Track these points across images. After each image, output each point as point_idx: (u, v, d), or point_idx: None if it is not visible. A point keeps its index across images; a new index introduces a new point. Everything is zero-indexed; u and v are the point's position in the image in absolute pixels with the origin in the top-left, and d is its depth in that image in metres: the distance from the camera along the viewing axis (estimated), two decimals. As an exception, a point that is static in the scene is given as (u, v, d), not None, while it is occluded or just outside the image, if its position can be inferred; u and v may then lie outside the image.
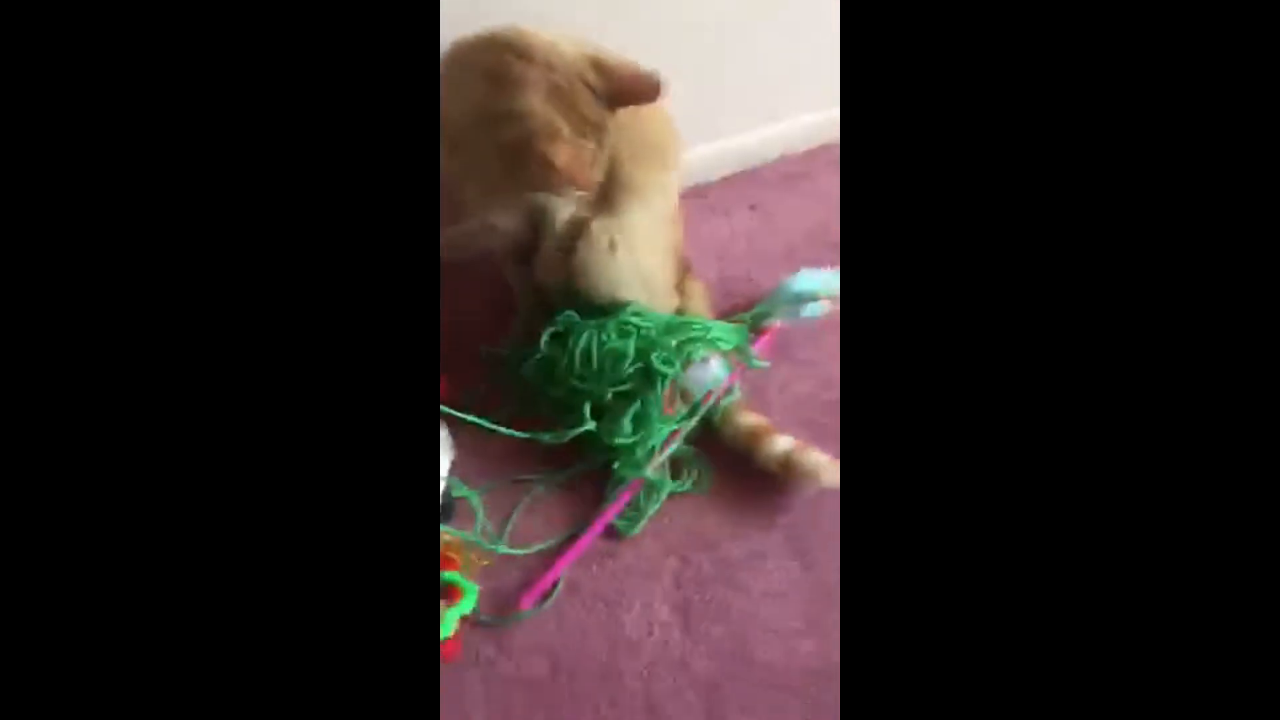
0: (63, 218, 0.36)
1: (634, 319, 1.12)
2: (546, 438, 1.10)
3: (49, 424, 0.35)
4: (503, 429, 1.09)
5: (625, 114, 1.02)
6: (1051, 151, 0.38)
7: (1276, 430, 0.34)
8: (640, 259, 1.11)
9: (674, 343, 1.08)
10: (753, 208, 1.44)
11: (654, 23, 1.14)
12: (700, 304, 1.23)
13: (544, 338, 1.13)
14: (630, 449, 1.07)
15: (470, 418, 1.09)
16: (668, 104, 1.07)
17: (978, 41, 0.39)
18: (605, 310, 1.14)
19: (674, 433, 1.08)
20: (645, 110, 1.03)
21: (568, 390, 1.11)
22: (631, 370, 1.08)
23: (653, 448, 1.07)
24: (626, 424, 1.07)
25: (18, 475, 0.34)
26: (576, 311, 1.15)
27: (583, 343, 1.10)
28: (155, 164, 0.37)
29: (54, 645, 0.35)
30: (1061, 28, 0.37)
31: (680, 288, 1.21)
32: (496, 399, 1.17)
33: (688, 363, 1.09)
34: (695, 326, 1.12)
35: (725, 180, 1.47)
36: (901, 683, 0.40)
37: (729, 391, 1.11)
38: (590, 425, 1.08)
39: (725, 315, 1.23)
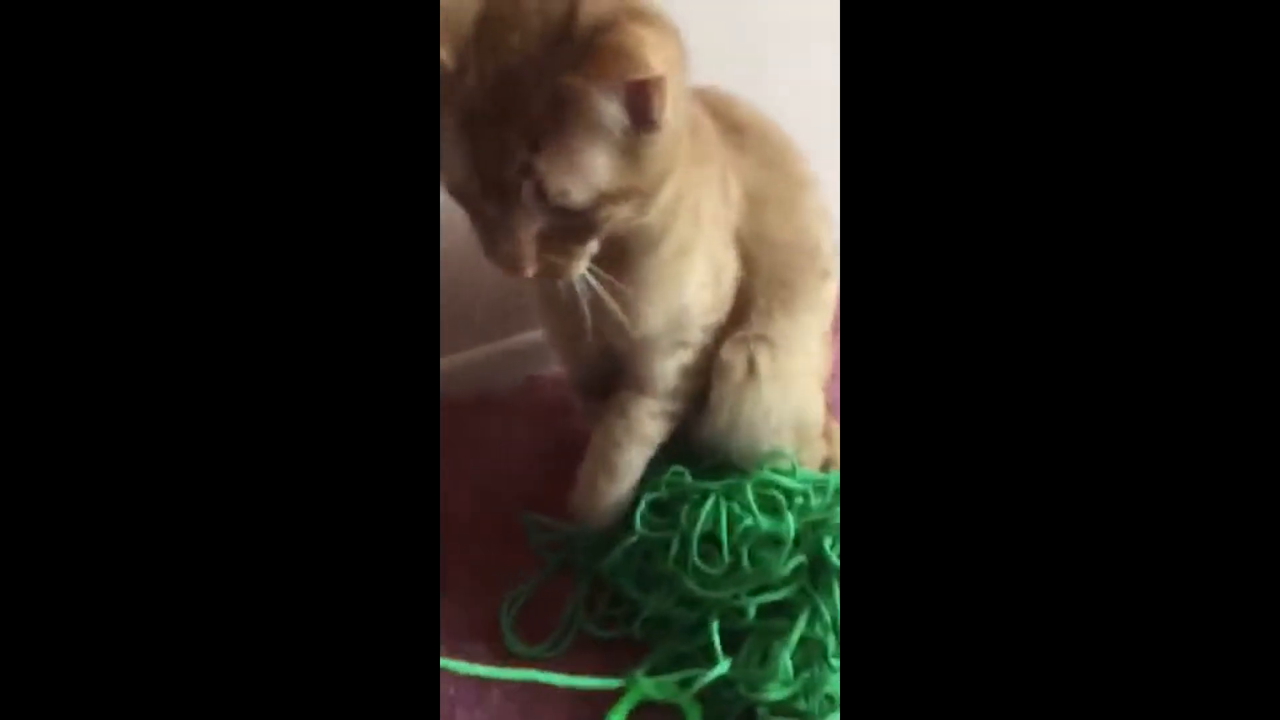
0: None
1: (783, 480, 0.70)
2: (646, 687, 0.65)
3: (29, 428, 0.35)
4: (561, 678, 0.64)
5: (774, 207, 0.69)
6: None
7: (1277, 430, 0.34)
8: (792, 389, 0.71)
9: (861, 522, 0.66)
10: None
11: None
12: (853, 456, 0.82)
13: (639, 509, 0.71)
14: (790, 704, 0.62)
15: (492, 672, 0.66)
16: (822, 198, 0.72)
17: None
18: (731, 466, 0.72)
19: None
20: (798, 200, 0.70)
21: (678, 599, 0.67)
22: (791, 568, 0.65)
23: (830, 699, 0.62)
24: (785, 662, 0.63)
25: (11, 474, 0.35)
26: (684, 464, 0.73)
27: (704, 520, 0.68)
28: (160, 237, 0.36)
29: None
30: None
31: (826, 430, 0.80)
32: (549, 611, 0.73)
33: (881, 556, 0.66)
34: (882, 494, 0.70)
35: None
36: None
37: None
38: (723, 666, 0.64)
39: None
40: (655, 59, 0.46)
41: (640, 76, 0.46)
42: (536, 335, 0.88)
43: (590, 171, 0.50)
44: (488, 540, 0.77)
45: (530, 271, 0.54)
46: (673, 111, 0.50)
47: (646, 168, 0.52)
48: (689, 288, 0.64)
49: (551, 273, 0.56)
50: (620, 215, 0.54)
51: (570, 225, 0.53)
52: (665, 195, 0.56)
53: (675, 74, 0.50)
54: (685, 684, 0.63)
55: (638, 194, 0.53)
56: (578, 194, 0.50)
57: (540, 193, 0.50)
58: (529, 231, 0.52)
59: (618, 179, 0.51)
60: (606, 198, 0.52)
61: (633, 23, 0.47)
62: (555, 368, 0.89)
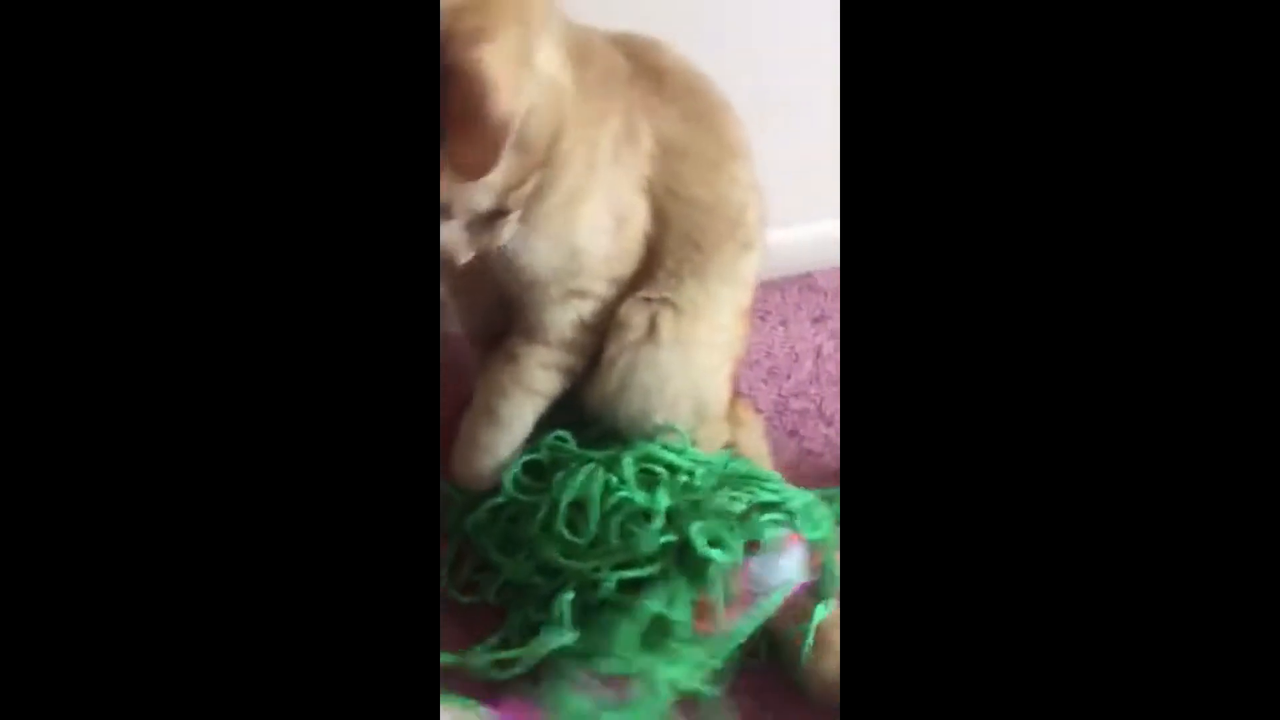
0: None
1: (668, 456, 0.67)
2: (481, 657, 0.62)
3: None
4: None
5: (694, 163, 0.66)
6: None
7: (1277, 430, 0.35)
8: (694, 359, 0.68)
9: (738, 507, 0.63)
10: (818, 320, 1.03)
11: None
12: (756, 442, 0.79)
13: (511, 471, 0.68)
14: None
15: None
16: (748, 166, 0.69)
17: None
18: (619, 436, 0.69)
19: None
20: (724, 165, 0.67)
21: (537, 566, 0.64)
22: (658, 546, 0.62)
23: (672, 686, 0.60)
24: (632, 637, 0.60)
25: (8, 473, 0.35)
26: (570, 431, 0.70)
27: (576, 487, 0.65)
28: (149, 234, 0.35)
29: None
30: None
31: (732, 415, 0.78)
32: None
33: (753, 546, 0.63)
34: (768, 484, 0.67)
35: (773, 284, 1.07)
36: None
37: (814, 604, 0.64)
38: (567, 637, 0.61)
39: (793, 468, 0.79)
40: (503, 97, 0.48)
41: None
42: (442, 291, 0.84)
43: (486, 182, 0.53)
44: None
45: (467, 258, 0.58)
46: (514, 94, 0.50)
47: (534, 146, 0.55)
48: (582, 230, 0.62)
49: (484, 249, 0.59)
50: (526, 191, 0.57)
51: (488, 215, 0.57)
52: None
53: (514, 66, 0.50)
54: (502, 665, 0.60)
55: (535, 168, 0.56)
56: (483, 201, 0.55)
57: (447, 209, 0.54)
58: (455, 230, 0.56)
59: (513, 172, 0.54)
60: (509, 188, 0.55)
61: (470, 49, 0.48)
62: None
